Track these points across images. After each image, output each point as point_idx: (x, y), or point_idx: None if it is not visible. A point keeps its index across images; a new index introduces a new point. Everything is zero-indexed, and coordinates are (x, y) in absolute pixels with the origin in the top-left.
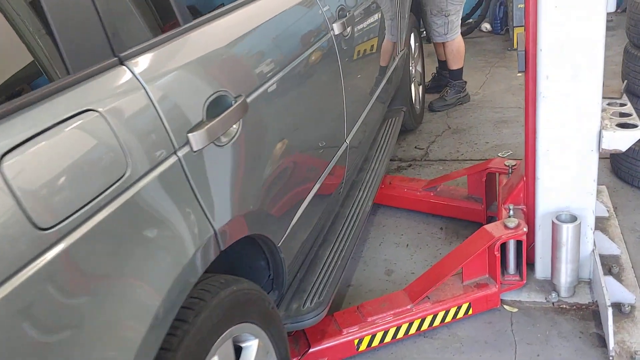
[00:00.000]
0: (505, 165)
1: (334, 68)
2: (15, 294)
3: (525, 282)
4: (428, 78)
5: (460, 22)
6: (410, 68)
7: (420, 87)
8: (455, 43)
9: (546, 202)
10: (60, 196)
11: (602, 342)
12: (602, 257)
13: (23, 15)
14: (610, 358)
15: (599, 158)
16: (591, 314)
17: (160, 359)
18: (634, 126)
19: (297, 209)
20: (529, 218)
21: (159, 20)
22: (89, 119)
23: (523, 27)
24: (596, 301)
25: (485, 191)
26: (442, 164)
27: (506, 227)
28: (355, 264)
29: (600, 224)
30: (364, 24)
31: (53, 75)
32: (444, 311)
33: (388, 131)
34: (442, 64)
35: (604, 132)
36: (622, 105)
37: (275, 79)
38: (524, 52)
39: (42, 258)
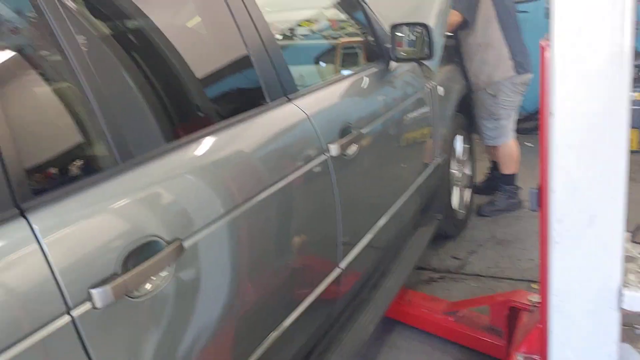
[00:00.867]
0: (529, 301)
1: (325, 192)
2: None
3: None
4: (481, 177)
5: (513, 125)
6: (455, 171)
7: (468, 191)
8: (507, 147)
9: (560, 358)
10: None
11: None
12: None
13: None
14: None
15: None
16: None
17: None
18: None
19: (255, 348)
20: None
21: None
22: None
23: None
24: None
25: (507, 325)
26: (477, 280)
27: None
28: None
29: None
30: (382, 139)
31: None
32: None
33: (414, 242)
34: (496, 165)
35: (625, 291)
36: None
37: (234, 214)
38: (537, 190)
39: None
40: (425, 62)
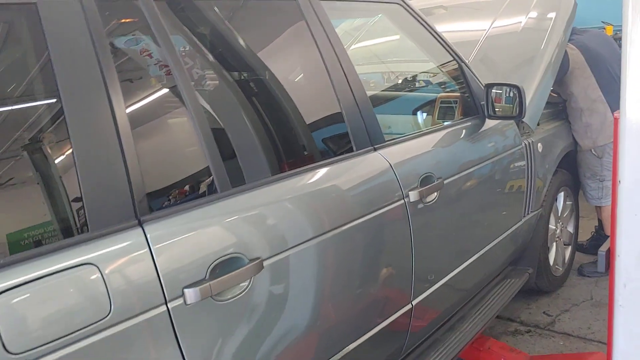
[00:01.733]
0: None
1: (402, 233)
2: None
3: None
4: (587, 236)
5: None
6: (554, 227)
7: (569, 247)
8: (609, 208)
9: None
10: (39, 325)
11: None
12: None
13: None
14: None
15: None
16: None
17: None
18: None
19: None
20: None
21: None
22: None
23: None
24: None
25: None
26: (565, 339)
27: None
28: None
29: None
30: (466, 190)
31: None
32: None
33: (499, 292)
34: (602, 225)
35: None
36: None
37: (312, 242)
38: (605, 253)
39: None
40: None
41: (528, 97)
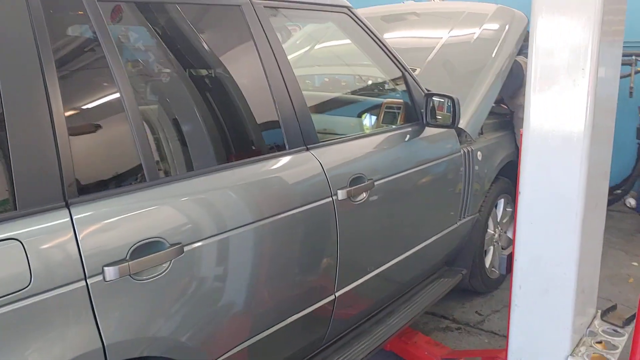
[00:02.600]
0: None
1: (328, 228)
2: None
3: None
4: None
5: None
6: (492, 232)
7: (507, 252)
8: None
9: None
10: None
11: None
12: None
13: None
14: None
15: None
16: None
17: None
18: None
19: (239, 343)
20: None
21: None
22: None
23: None
24: None
25: None
26: (491, 337)
27: None
28: None
29: None
30: (397, 192)
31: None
32: None
33: (430, 289)
34: None
35: (570, 359)
36: (617, 335)
37: (233, 232)
38: (507, 256)
39: None
40: (465, 128)
41: (472, 106)
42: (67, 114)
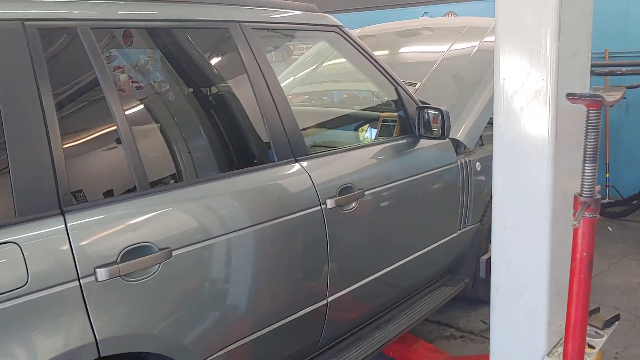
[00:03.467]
0: None
1: (318, 235)
2: None
3: None
4: None
5: None
6: None
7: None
8: None
9: None
10: None
11: None
12: None
13: None
14: None
15: None
16: None
17: None
18: None
19: (228, 344)
20: None
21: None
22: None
23: None
24: None
25: None
26: None
27: None
28: None
29: None
30: (390, 201)
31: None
32: None
33: (432, 297)
34: None
35: (546, 359)
36: (597, 336)
37: (221, 238)
38: (485, 260)
39: None
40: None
41: (469, 118)
42: (63, 132)
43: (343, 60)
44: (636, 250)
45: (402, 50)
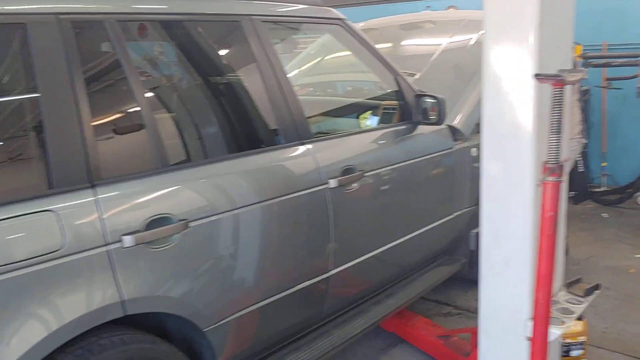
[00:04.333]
0: None
1: (321, 212)
2: None
3: None
4: None
5: None
6: None
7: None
8: None
9: None
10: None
11: None
12: None
13: None
14: None
15: None
16: None
17: None
18: (562, 323)
19: (238, 310)
20: None
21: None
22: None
23: None
24: None
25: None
26: None
27: None
28: None
29: None
30: (390, 183)
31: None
32: None
33: (429, 275)
34: None
35: (529, 323)
36: (577, 303)
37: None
38: (475, 234)
39: None
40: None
41: (465, 106)
42: (93, 115)
43: (346, 52)
44: (629, 235)
45: (404, 42)
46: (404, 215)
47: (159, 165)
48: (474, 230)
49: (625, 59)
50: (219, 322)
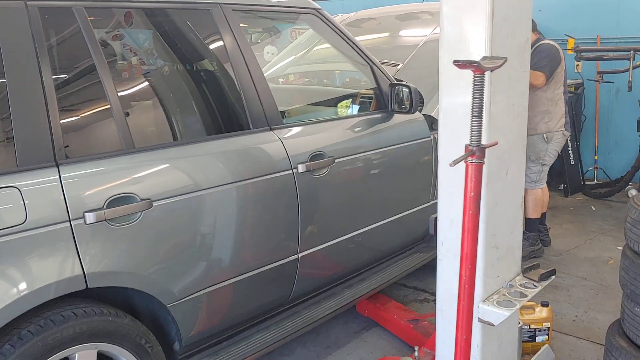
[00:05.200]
0: None
1: (289, 196)
2: None
3: None
4: None
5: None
6: None
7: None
8: (540, 192)
9: (442, 356)
10: None
11: None
12: None
13: None
14: None
15: None
16: None
17: None
18: (513, 306)
19: (202, 288)
20: None
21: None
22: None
23: None
24: None
25: None
26: None
27: None
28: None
29: None
30: (360, 169)
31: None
32: None
33: (404, 262)
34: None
35: (482, 305)
36: (532, 288)
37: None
38: (434, 219)
39: None
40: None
41: None
42: (59, 97)
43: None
44: (614, 227)
45: (394, 33)
46: (376, 202)
47: (124, 146)
48: (433, 215)
49: (616, 53)
50: (183, 298)
